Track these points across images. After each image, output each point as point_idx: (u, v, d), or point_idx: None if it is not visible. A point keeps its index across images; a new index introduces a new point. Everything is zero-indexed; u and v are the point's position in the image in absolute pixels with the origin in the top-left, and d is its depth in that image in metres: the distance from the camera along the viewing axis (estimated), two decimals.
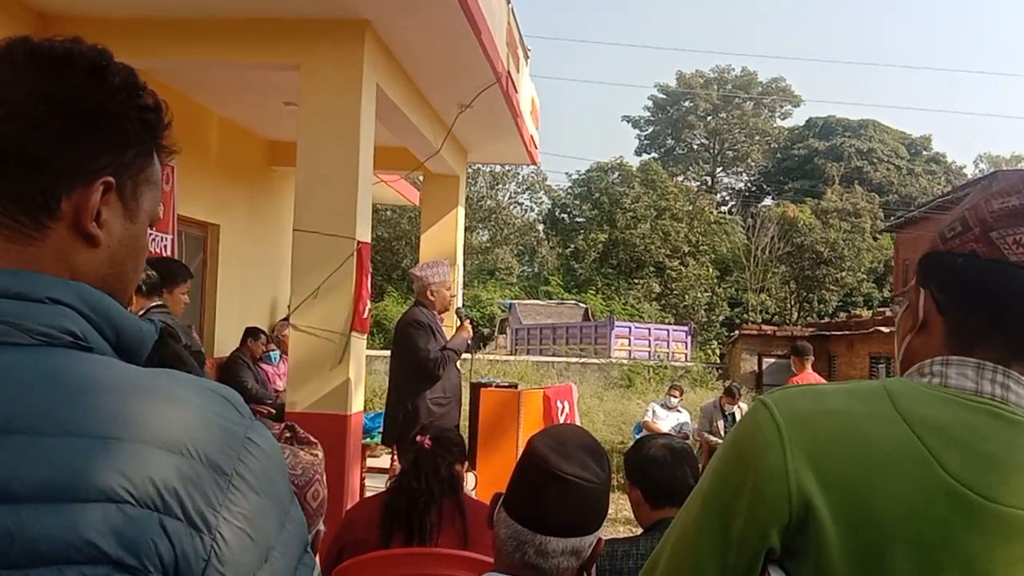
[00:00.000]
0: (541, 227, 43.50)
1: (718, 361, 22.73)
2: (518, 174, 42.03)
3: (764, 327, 19.27)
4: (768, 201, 45.93)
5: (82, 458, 0.81)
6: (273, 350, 8.39)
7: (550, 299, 35.33)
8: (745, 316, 34.76)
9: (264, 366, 8.22)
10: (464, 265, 10.49)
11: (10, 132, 0.88)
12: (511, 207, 42.95)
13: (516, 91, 7.92)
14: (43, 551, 0.78)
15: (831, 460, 1.05)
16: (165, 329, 3.04)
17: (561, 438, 1.77)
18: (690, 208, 39.86)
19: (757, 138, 50.01)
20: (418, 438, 2.99)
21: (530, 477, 1.71)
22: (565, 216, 43.09)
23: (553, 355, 23.43)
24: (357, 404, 5.73)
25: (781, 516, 1.05)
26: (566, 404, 7.34)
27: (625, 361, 21.10)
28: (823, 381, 8.64)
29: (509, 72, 7.32)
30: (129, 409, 0.84)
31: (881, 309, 26.28)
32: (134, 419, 0.83)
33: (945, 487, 1.03)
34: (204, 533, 0.83)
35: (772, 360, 16.91)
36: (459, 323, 6.06)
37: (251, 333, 8.21)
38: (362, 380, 5.94)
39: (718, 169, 51.79)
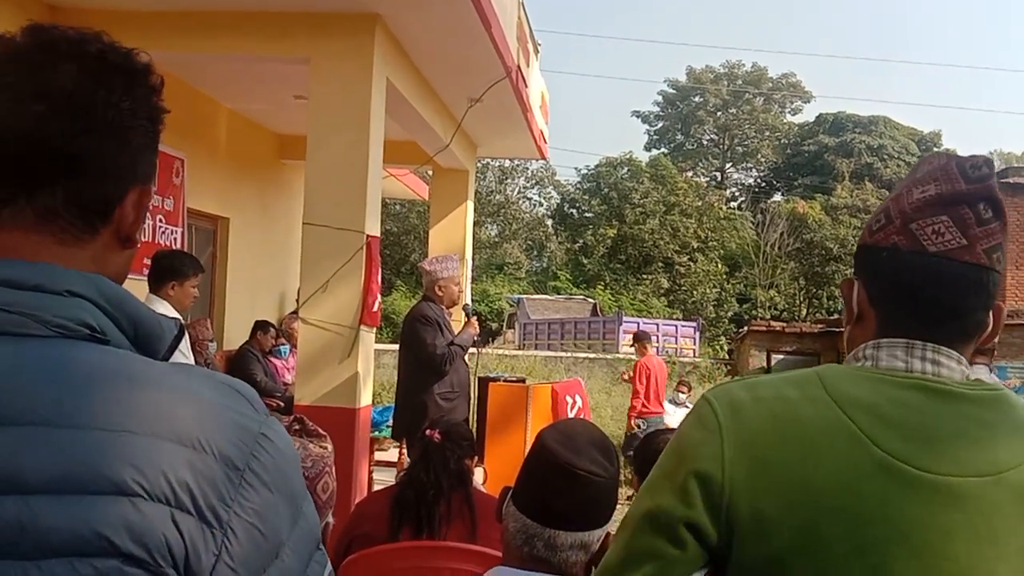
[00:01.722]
0: (550, 222, 43.45)
1: (726, 357, 22.67)
2: (527, 169, 42.00)
3: (773, 323, 19.18)
4: (778, 197, 45.79)
5: (94, 451, 0.81)
6: (283, 344, 8.41)
7: (558, 294, 35.32)
8: (754, 312, 34.66)
9: (273, 360, 8.25)
10: (473, 260, 10.50)
11: (88, 144, 0.89)
12: (520, 202, 42.94)
13: (526, 85, 7.91)
14: (54, 543, 0.78)
15: (765, 445, 1.08)
16: None
17: (570, 432, 1.77)
18: (699, 204, 39.74)
19: (767, 134, 49.77)
20: (427, 432, 2.99)
21: (540, 471, 1.72)
22: (574, 211, 43.04)
23: (561, 350, 23.43)
24: (366, 398, 5.74)
25: (712, 496, 1.07)
26: (578, 398, 7.33)
27: (633, 356, 21.08)
28: (662, 362, 9.84)
29: (519, 66, 7.31)
30: (142, 402, 0.84)
31: None
32: (147, 412, 0.84)
33: (878, 462, 1.05)
34: (215, 528, 0.83)
35: (781, 356, 16.85)
36: (466, 319, 6.07)
37: (260, 326, 8.24)
38: (371, 374, 5.95)
39: (728, 165, 51.59)
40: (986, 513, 1.05)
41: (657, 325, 26.99)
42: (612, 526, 1.79)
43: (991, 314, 1.17)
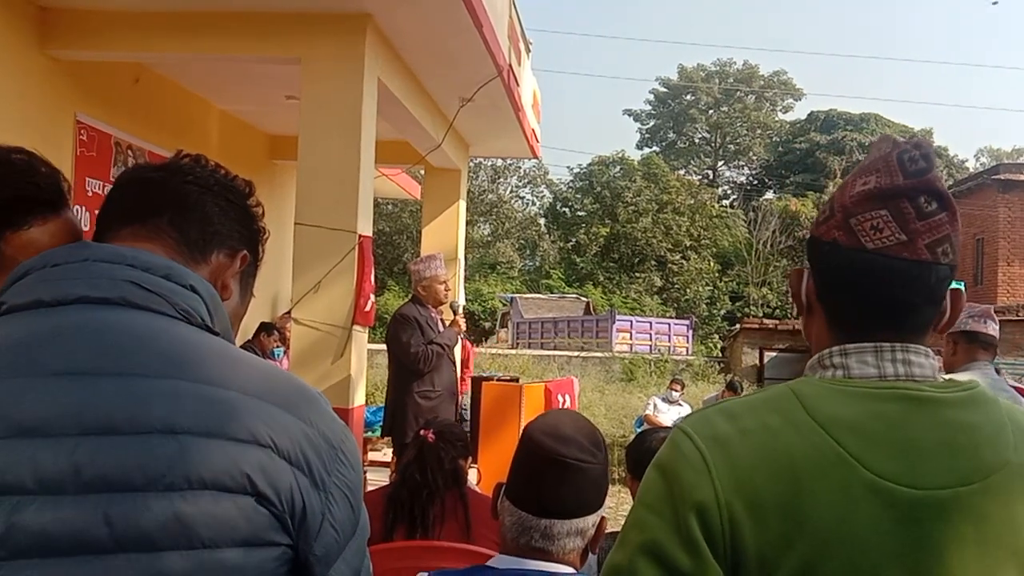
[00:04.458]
0: (542, 221, 43.47)
1: (719, 355, 22.73)
2: (519, 168, 41.99)
3: (765, 321, 19.22)
4: (770, 195, 45.86)
5: (237, 406, 0.96)
6: (279, 346, 8.44)
7: (551, 293, 35.32)
8: (746, 310, 34.72)
9: (270, 361, 8.26)
10: (465, 259, 10.48)
11: (189, 192, 1.16)
12: (512, 201, 42.93)
13: (518, 84, 7.91)
14: (205, 476, 0.91)
15: (755, 481, 1.03)
16: None
17: (555, 423, 1.79)
18: (692, 202, 39.80)
19: (759, 132, 49.84)
20: (422, 432, 3.00)
21: (529, 463, 1.74)
22: (566, 210, 43.05)
23: (554, 349, 23.45)
24: (359, 398, 5.73)
25: (715, 542, 1.03)
26: (567, 397, 7.34)
27: (626, 355, 21.11)
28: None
29: (511, 65, 7.31)
30: (265, 379, 1.02)
31: None
32: (270, 387, 1.01)
33: (868, 485, 1.02)
34: (322, 491, 0.99)
35: (773, 354, 16.89)
36: (453, 316, 6.05)
37: (265, 328, 8.31)
38: (363, 374, 5.95)
39: (720, 163, 51.66)
40: (976, 522, 1.03)
41: (650, 323, 27.05)
42: (614, 520, 1.81)
43: (946, 302, 1.14)
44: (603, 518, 1.77)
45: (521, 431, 1.81)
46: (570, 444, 1.72)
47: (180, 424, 0.92)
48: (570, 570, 1.69)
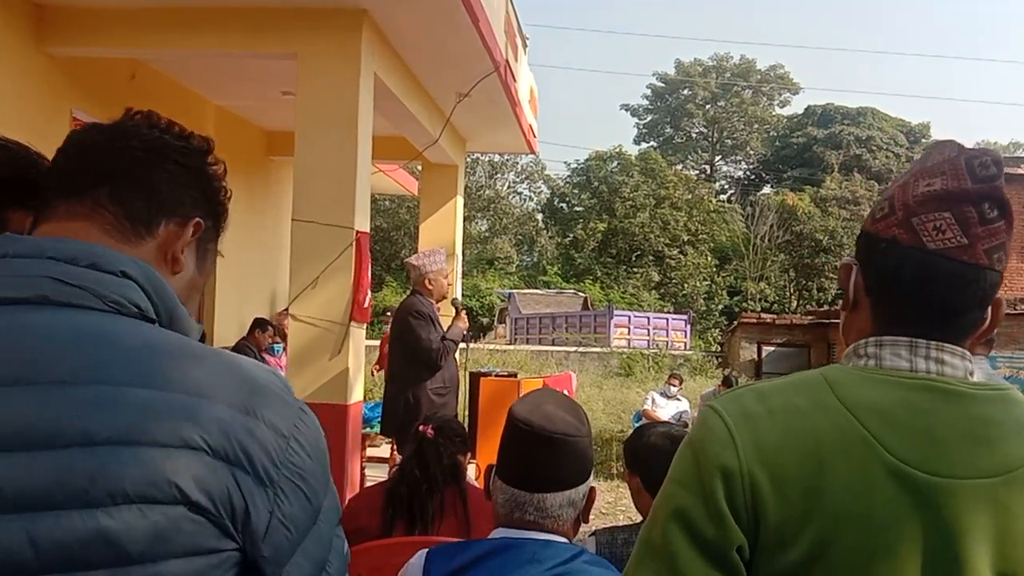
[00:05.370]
0: (540, 216, 43.47)
1: (717, 349, 22.74)
2: (517, 163, 42.02)
3: (763, 315, 19.25)
4: (767, 189, 45.82)
5: (163, 409, 0.89)
6: (277, 342, 8.43)
7: (549, 288, 35.34)
8: (744, 304, 34.72)
9: (268, 357, 8.25)
10: (463, 255, 10.48)
11: (126, 160, 1.06)
12: (510, 197, 42.94)
13: (515, 80, 7.90)
14: (128, 490, 0.85)
15: (780, 457, 1.07)
16: None
17: (538, 402, 1.85)
18: (689, 197, 39.78)
19: (756, 126, 49.83)
20: (420, 427, 3.00)
21: (518, 442, 1.79)
22: (564, 205, 43.05)
23: (552, 344, 23.47)
24: (357, 394, 5.73)
25: (738, 510, 1.06)
26: (565, 392, 7.34)
27: (624, 350, 21.13)
28: None
29: (507, 61, 7.30)
30: (201, 372, 0.94)
31: None
32: (206, 381, 0.93)
33: (889, 468, 1.05)
34: (268, 487, 0.93)
35: (771, 348, 16.92)
36: (455, 313, 6.04)
37: (259, 324, 8.28)
38: (361, 370, 5.95)
39: (717, 158, 51.65)
40: (995, 514, 1.05)
41: (648, 318, 27.07)
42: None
43: (989, 309, 1.16)
44: (592, 488, 1.84)
45: (507, 413, 1.86)
46: (555, 420, 1.78)
47: (101, 434, 0.86)
48: (564, 539, 1.75)
